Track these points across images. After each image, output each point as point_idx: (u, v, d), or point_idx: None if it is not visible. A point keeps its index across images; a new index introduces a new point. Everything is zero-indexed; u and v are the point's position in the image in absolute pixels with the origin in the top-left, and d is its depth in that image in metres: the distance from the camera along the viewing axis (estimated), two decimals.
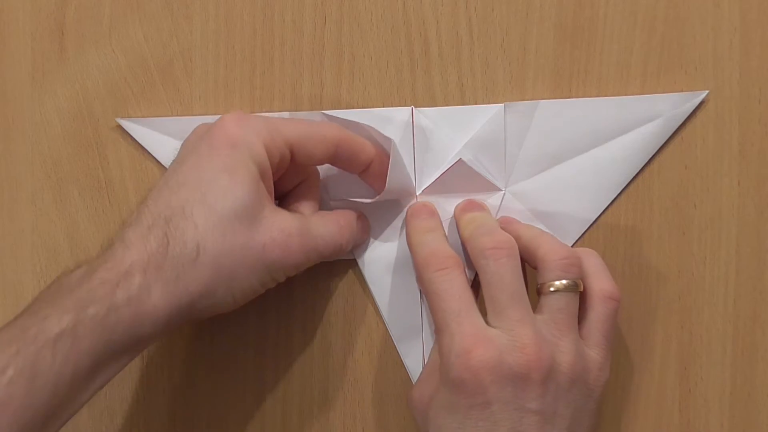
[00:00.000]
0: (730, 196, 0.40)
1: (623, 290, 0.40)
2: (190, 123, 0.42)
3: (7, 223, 0.44)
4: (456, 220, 0.40)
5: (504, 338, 0.33)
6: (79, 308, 0.31)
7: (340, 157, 0.38)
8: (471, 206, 0.40)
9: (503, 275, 0.35)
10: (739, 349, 0.40)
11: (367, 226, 0.41)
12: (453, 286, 0.35)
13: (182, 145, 0.37)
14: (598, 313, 0.36)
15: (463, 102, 0.41)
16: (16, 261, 0.44)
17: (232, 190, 0.34)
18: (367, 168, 0.39)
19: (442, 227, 0.39)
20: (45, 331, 0.31)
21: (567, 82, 0.41)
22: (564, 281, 0.35)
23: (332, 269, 0.42)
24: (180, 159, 0.36)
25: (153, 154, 0.43)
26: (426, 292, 0.36)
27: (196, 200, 0.34)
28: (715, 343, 0.40)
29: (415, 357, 0.41)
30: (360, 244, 0.41)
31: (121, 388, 0.43)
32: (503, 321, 0.34)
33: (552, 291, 0.35)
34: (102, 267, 0.33)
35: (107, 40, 0.44)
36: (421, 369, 0.40)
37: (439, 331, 0.35)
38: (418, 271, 0.37)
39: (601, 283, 0.36)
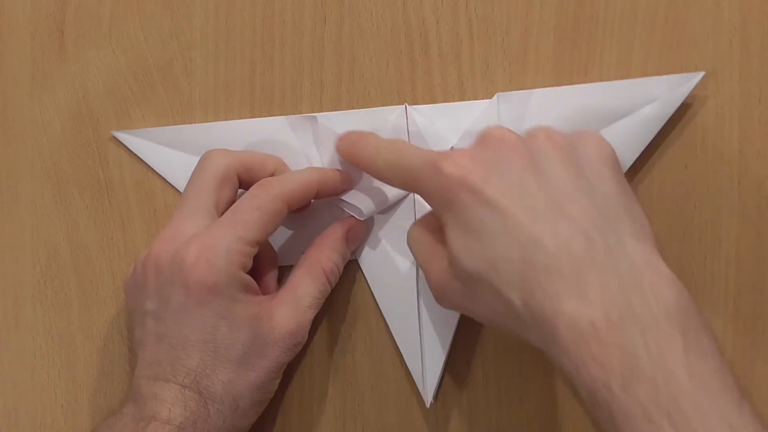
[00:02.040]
0: (730, 196, 0.40)
1: None
2: (186, 131, 0.43)
3: (7, 223, 0.44)
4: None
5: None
6: None
7: (292, 209, 0.39)
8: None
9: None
10: (739, 348, 0.40)
11: (363, 230, 0.41)
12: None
13: (152, 275, 0.37)
14: None
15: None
16: (16, 261, 0.44)
17: (235, 336, 0.36)
18: (317, 197, 0.39)
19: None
20: None
21: (567, 82, 0.41)
22: None
23: None
24: (162, 302, 0.36)
25: (150, 164, 0.43)
26: (390, 160, 0.35)
27: (210, 359, 0.36)
28: None
29: (415, 356, 0.41)
30: (357, 246, 0.41)
31: (121, 388, 0.43)
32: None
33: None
34: (152, 424, 0.35)
35: (107, 40, 0.44)
36: (421, 368, 0.40)
37: (413, 182, 0.34)
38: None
39: None
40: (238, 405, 0.36)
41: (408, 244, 0.37)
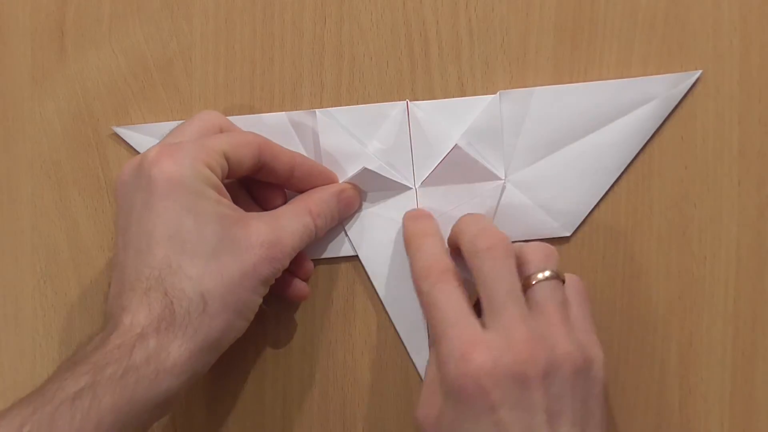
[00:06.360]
0: (730, 196, 0.40)
1: (623, 290, 0.40)
2: None
3: (7, 223, 0.44)
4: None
5: (499, 340, 0.33)
6: (96, 370, 0.32)
7: (265, 162, 0.38)
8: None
9: (499, 274, 0.34)
10: (739, 349, 0.40)
11: (357, 197, 0.41)
12: (450, 298, 0.34)
13: (119, 192, 0.36)
14: (573, 296, 0.35)
15: None
16: (16, 261, 0.44)
17: (202, 230, 0.35)
18: (292, 175, 0.39)
19: (440, 232, 0.39)
20: (63, 390, 0.32)
21: (567, 82, 0.41)
22: (547, 272, 0.35)
23: (332, 269, 0.42)
24: (127, 212, 0.36)
25: None
26: (423, 302, 0.36)
27: (176, 253, 0.34)
28: (715, 343, 0.40)
29: (422, 352, 0.41)
30: (349, 215, 0.41)
31: None
32: (499, 320, 0.33)
33: (537, 283, 0.35)
34: (113, 334, 0.33)
35: (107, 40, 0.44)
36: (426, 364, 0.40)
37: (436, 340, 0.34)
38: (415, 280, 0.36)
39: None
40: (207, 304, 0.34)
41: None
